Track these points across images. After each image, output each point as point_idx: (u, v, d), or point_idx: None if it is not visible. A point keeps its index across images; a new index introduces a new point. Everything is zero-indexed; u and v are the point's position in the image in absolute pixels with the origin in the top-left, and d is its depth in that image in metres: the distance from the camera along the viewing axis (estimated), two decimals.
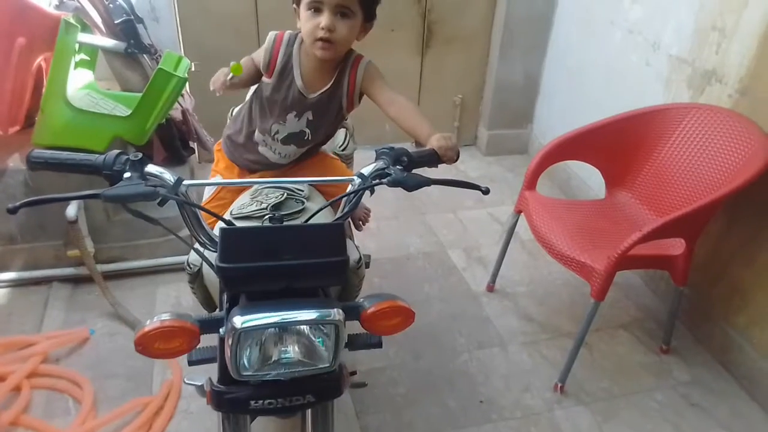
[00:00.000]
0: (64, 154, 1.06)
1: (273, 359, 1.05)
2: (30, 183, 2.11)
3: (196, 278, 1.41)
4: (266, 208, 1.36)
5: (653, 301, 2.38)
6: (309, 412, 1.20)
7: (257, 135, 1.55)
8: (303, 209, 1.41)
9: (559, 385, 1.95)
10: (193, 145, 2.58)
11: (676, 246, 1.93)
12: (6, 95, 2.00)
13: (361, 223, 1.99)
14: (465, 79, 3.37)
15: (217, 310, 1.51)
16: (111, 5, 2.19)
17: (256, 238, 1.04)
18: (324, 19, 1.33)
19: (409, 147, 1.24)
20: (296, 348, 1.05)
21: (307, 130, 1.52)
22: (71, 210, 2.07)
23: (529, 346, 2.14)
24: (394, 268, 2.50)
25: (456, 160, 1.27)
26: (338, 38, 1.36)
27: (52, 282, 2.25)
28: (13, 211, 0.97)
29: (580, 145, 2.12)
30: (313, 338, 1.05)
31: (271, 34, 1.49)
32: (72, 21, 1.99)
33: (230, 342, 0.99)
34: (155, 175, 1.08)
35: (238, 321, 0.99)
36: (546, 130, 3.29)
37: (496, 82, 3.28)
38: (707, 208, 1.75)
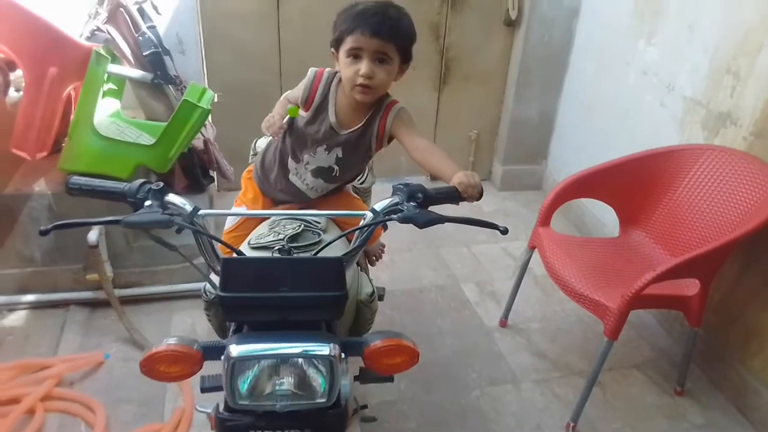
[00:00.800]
0: (97, 182, 1.12)
1: (267, 391, 1.06)
2: (54, 207, 2.16)
3: (212, 306, 1.43)
4: (283, 239, 1.38)
5: (667, 341, 2.36)
6: None
7: (290, 162, 1.60)
8: (319, 241, 1.43)
9: (572, 424, 1.93)
10: (213, 173, 2.64)
11: (690, 286, 1.92)
12: (36, 122, 2.06)
13: (375, 258, 2.01)
14: (481, 115, 3.41)
15: None
16: (140, 38, 2.26)
17: (256, 269, 1.07)
18: (363, 67, 1.38)
19: (425, 181, 1.26)
20: (290, 380, 1.07)
21: (336, 167, 1.56)
22: (92, 235, 2.12)
23: (542, 383, 2.13)
24: (407, 301, 2.50)
25: (478, 199, 1.26)
26: (377, 84, 1.41)
27: (70, 305, 2.29)
28: (44, 233, 1.03)
29: (595, 183, 2.14)
30: (307, 372, 1.06)
31: (312, 71, 1.54)
32: (103, 52, 2.06)
33: (226, 370, 1.02)
34: (174, 204, 1.12)
35: (234, 350, 1.01)
36: (560, 167, 3.31)
37: (511, 119, 3.32)
38: (722, 250, 1.75)
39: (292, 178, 1.60)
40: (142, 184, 1.11)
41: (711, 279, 1.89)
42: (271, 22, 2.88)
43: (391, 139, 1.54)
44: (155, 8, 2.42)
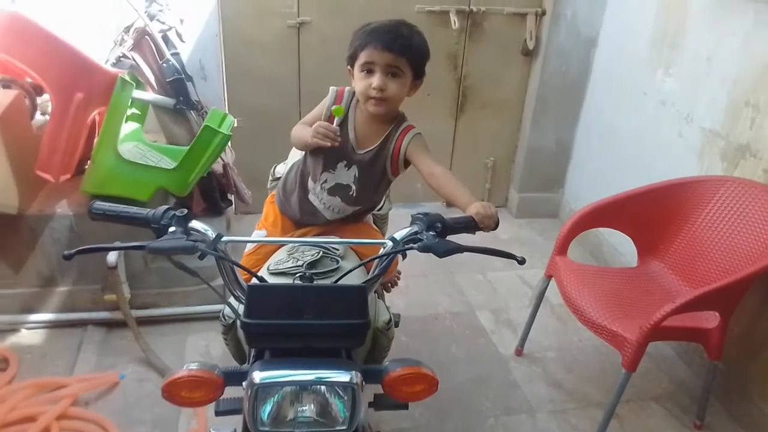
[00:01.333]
0: (120, 207, 1.14)
1: (289, 417, 1.06)
2: (75, 228, 2.20)
3: (230, 330, 1.44)
4: (302, 266, 1.39)
5: (687, 374, 2.32)
6: None
7: (309, 182, 1.62)
8: (337, 268, 1.44)
9: None
10: (231, 197, 2.66)
11: (710, 319, 1.90)
12: (61, 145, 2.11)
13: (390, 285, 2.01)
14: (497, 143, 3.43)
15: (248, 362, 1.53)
16: (164, 64, 2.32)
17: (281, 296, 1.07)
18: (376, 80, 1.43)
19: (441, 208, 1.27)
20: (312, 407, 1.06)
21: (353, 186, 1.58)
22: (112, 256, 2.14)
23: (558, 414, 2.10)
24: (421, 328, 2.49)
25: (494, 229, 1.29)
26: (389, 95, 1.46)
27: (87, 325, 2.31)
28: (68, 258, 1.04)
29: (613, 212, 2.13)
30: (330, 399, 1.06)
31: (333, 89, 1.59)
32: (128, 78, 2.11)
33: (249, 396, 1.02)
34: (197, 231, 1.14)
35: (257, 376, 1.01)
36: (577, 195, 3.31)
37: (528, 147, 3.33)
38: (743, 282, 1.74)
39: (311, 197, 1.63)
40: (166, 210, 1.12)
41: (731, 311, 1.86)
42: (291, 49, 2.94)
43: (407, 164, 1.57)
44: (179, 36, 2.48)
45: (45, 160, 2.13)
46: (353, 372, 1.04)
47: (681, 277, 2.08)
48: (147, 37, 2.29)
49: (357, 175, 1.57)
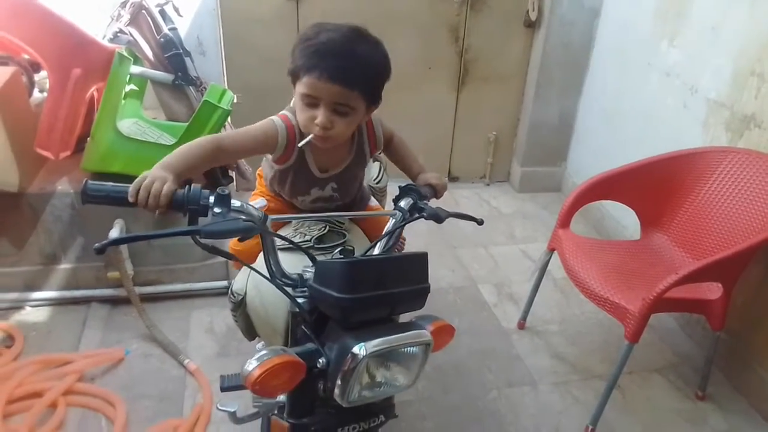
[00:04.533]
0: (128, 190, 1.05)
1: (379, 381, 1.06)
2: (76, 206, 2.19)
3: (239, 307, 1.44)
4: (310, 240, 1.40)
5: (689, 345, 2.33)
6: None
7: (289, 197, 1.55)
8: (344, 242, 1.44)
9: (590, 428, 1.91)
10: (232, 173, 2.65)
11: (713, 290, 1.90)
12: (59, 122, 2.10)
13: (397, 251, 2.01)
14: (499, 117, 3.40)
15: (258, 339, 1.54)
16: (162, 39, 2.29)
17: (369, 270, 1.06)
18: (320, 116, 1.23)
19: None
20: (398, 368, 1.07)
21: (335, 194, 1.50)
22: (114, 233, 2.14)
23: (560, 386, 2.11)
24: None
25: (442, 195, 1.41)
26: (335, 135, 1.27)
27: (91, 302, 2.32)
28: (100, 251, 0.95)
29: (617, 185, 2.12)
30: (411, 358, 1.07)
31: (280, 124, 1.33)
32: (125, 54, 2.09)
33: (346, 370, 1.00)
34: (241, 210, 1.06)
35: (359, 349, 0.99)
36: (580, 169, 3.29)
37: (530, 121, 3.30)
38: (745, 253, 1.73)
39: (297, 204, 1.55)
40: (202, 188, 1.04)
41: (734, 282, 1.86)
42: (290, 24, 2.90)
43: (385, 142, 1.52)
44: (176, 10, 2.45)
45: (44, 138, 2.12)
46: (426, 330, 1.07)
47: (684, 249, 2.08)
48: (144, 11, 2.25)
49: (335, 187, 1.48)
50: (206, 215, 1.02)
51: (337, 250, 1.27)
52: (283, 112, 1.38)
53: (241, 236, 1.01)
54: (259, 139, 1.32)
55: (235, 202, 1.05)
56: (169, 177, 1.07)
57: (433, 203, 1.33)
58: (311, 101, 1.23)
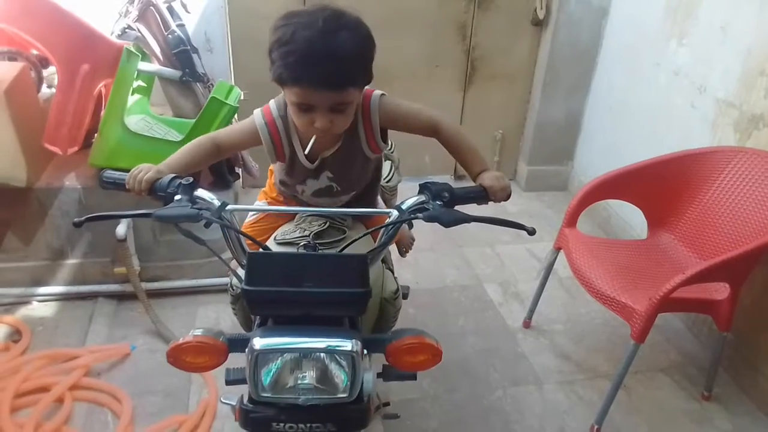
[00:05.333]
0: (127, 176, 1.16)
1: (289, 384, 1.07)
2: (83, 201, 2.20)
3: (238, 300, 1.45)
4: (309, 236, 1.39)
5: (695, 345, 2.32)
6: None
7: (290, 189, 1.52)
8: (344, 238, 1.44)
9: (596, 427, 1.90)
10: (239, 170, 2.66)
11: (720, 290, 1.89)
12: (68, 118, 2.10)
13: (404, 250, 2.01)
14: (506, 115, 3.39)
15: None
16: (170, 36, 2.29)
17: (281, 264, 1.08)
18: (319, 121, 1.18)
19: (450, 180, 1.25)
20: (312, 374, 1.07)
21: (333, 184, 1.44)
22: (121, 229, 2.15)
23: (566, 385, 2.11)
24: (429, 300, 2.50)
25: (506, 200, 1.25)
26: (336, 130, 1.24)
27: (98, 297, 2.33)
28: (78, 225, 1.07)
29: (624, 184, 2.11)
30: (330, 367, 1.07)
31: (261, 123, 1.32)
32: (133, 50, 2.10)
33: (249, 362, 1.03)
34: (203, 199, 1.14)
35: (257, 342, 1.02)
36: (587, 168, 3.28)
37: (537, 119, 3.29)
38: (753, 254, 1.72)
39: (299, 198, 1.53)
40: (173, 179, 1.14)
41: (741, 283, 1.85)
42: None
43: (385, 131, 1.38)
44: (184, 7, 2.45)
45: (52, 133, 2.13)
46: (353, 340, 1.04)
47: (691, 249, 2.07)
48: (152, 8, 2.25)
49: (330, 175, 1.41)
50: (172, 201, 1.12)
51: (301, 244, 1.23)
52: (270, 103, 1.35)
53: (189, 222, 1.06)
54: (246, 137, 1.36)
55: (200, 192, 1.15)
56: (156, 168, 1.20)
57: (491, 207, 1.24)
58: (305, 107, 1.19)
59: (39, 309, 2.28)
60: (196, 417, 1.84)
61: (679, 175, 2.09)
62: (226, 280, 2.38)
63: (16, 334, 2.14)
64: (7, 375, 1.92)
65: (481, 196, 1.23)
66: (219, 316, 2.29)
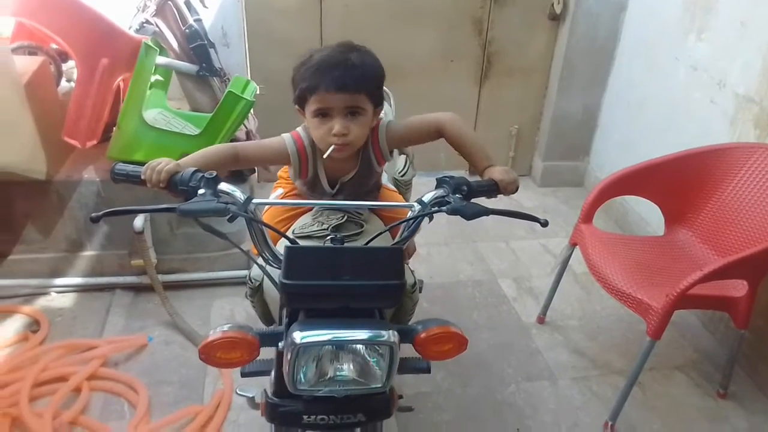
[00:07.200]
0: (143, 169, 1.15)
1: (328, 376, 1.07)
2: (102, 193, 2.23)
3: (256, 293, 1.46)
4: (327, 229, 1.39)
5: (711, 343, 2.30)
6: (358, 431, 1.21)
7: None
8: (362, 232, 1.44)
9: (610, 423, 1.90)
10: None
11: (738, 287, 1.87)
12: (87, 112, 2.13)
13: (407, 255, 2.00)
14: (522, 110, 3.38)
15: (275, 324, 1.55)
16: (187, 30, 2.31)
17: (319, 258, 1.07)
18: (336, 125, 1.28)
19: (465, 174, 1.26)
20: (351, 366, 1.07)
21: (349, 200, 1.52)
22: (138, 222, 2.17)
23: (580, 381, 2.10)
24: (443, 294, 2.50)
25: (514, 192, 1.30)
26: (353, 139, 1.32)
27: (115, 289, 2.36)
28: (95, 221, 1.06)
29: (641, 180, 2.09)
30: (368, 358, 1.07)
31: (292, 146, 1.41)
32: (151, 44, 2.11)
33: (288, 356, 1.02)
34: (227, 193, 1.13)
35: (298, 336, 1.01)
36: (604, 164, 3.26)
37: (553, 114, 3.27)
38: None
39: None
40: (194, 172, 1.12)
41: (760, 280, 1.83)
42: (313, 16, 2.90)
43: (392, 151, 1.49)
44: (202, 1, 2.47)
45: (72, 126, 2.15)
46: (391, 331, 1.05)
47: (709, 246, 2.05)
48: (170, 2, 2.27)
49: (346, 198, 1.51)
50: (195, 195, 1.10)
51: (327, 238, 1.25)
52: (298, 129, 1.44)
53: (217, 216, 1.05)
54: (271, 155, 1.44)
55: (223, 186, 1.13)
56: (175, 162, 1.18)
57: (499, 200, 1.28)
58: (324, 113, 1.29)
59: (57, 300, 2.31)
60: (211, 408, 1.85)
61: (697, 171, 2.07)
62: (241, 272, 2.41)
63: (34, 325, 2.17)
64: (26, 365, 1.95)
65: (493, 189, 1.27)
66: (234, 309, 2.31)
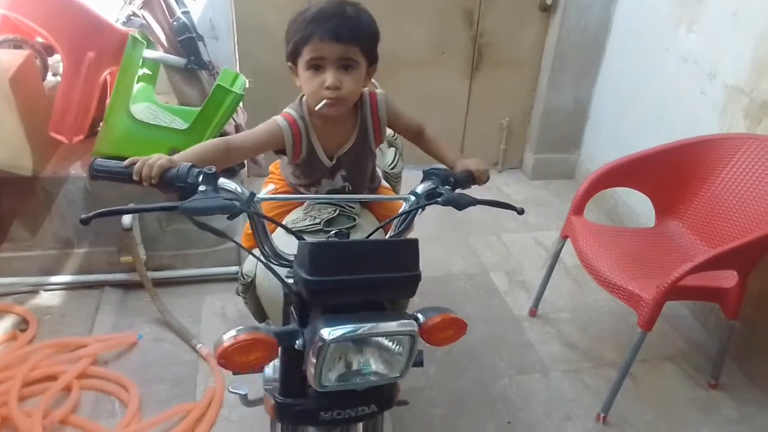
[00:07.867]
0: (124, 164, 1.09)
1: (354, 369, 1.05)
2: (89, 189, 2.20)
3: (249, 289, 1.44)
4: (319, 224, 1.39)
5: (702, 334, 2.31)
6: (360, 424, 1.20)
7: (302, 190, 1.56)
8: (354, 225, 1.43)
9: (602, 415, 1.90)
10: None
11: (728, 278, 1.88)
12: (73, 106, 2.10)
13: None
14: (513, 103, 3.37)
15: (267, 322, 1.54)
16: (175, 23, 2.28)
17: (343, 253, 1.04)
18: (329, 77, 1.27)
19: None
20: (375, 358, 1.06)
21: (346, 184, 1.51)
22: (126, 219, 2.15)
23: (572, 373, 2.11)
24: (435, 288, 2.50)
25: (486, 182, 1.35)
26: (346, 94, 1.30)
27: (105, 287, 2.34)
28: (85, 222, 0.99)
29: (632, 171, 2.10)
30: (393, 349, 1.06)
31: (283, 123, 1.39)
32: (138, 37, 2.08)
33: (315, 354, 0.99)
34: (228, 189, 1.08)
35: (326, 332, 0.98)
36: (594, 156, 3.26)
37: (544, 107, 3.27)
38: (762, 241, 1.71)
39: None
40: (191, 168, 1.07)
41: (750, 271, 1.84)
42: (303, 7, 2.87)
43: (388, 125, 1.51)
44: None
45: (58, 121, 2.13)
46: (411, 320, 1.04)
47: (699, 237, 2.06)
48: None
49: (344, 174, 1.49)
50: (194, 193, 1.04)
51: (332, 232, 1.22)
52: (286, 109, 1.42)
53: (223, 213, 1.01)
54: (264, 139, 1.39)
55: (224, 182, 1.08)
56: (168, 158, 1.12)
57: (475, 190, 1.28)
58: (316, 64, 1.28)
59: (46, 298, 2.29)
60: (203, 405, 1.84)
61: (687, 162, 2.08)
62: (232, 269, 2.40)
63: (23, 324, 2.15)
64: (15, 364, 1.92)
65: (470, 180, 1.32)
66: (225, 305, 2.30)
